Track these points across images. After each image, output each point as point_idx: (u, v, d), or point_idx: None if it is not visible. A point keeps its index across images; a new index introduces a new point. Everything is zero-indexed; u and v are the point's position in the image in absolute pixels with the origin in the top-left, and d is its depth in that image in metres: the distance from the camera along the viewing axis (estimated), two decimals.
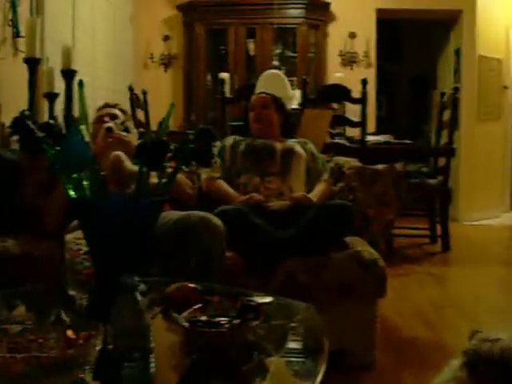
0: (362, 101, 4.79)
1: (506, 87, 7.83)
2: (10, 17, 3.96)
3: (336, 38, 7.44)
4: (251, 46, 7.28)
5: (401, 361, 2.93)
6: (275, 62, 7.08)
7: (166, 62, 7.56)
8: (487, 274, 4.89)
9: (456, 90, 5.66)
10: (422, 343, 3.19)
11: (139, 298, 1.14)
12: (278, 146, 3.28)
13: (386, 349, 2.98)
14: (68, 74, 3.66)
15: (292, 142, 3.35)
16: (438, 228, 5.70)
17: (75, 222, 2.42)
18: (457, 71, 7.72)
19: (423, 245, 5.89)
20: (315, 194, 3.14)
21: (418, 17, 7.97)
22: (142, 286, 1.19)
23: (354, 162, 3.33)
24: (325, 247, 2.79)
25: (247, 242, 2.74)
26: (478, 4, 7.35)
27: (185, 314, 1.55)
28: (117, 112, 3.08)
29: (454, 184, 6.70)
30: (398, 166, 3.22)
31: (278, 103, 3.44)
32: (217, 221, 2.54)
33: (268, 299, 1.66)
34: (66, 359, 1.24)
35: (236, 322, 1.49)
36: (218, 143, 3.19)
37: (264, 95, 3.47)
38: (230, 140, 3.37)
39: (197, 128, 1.65)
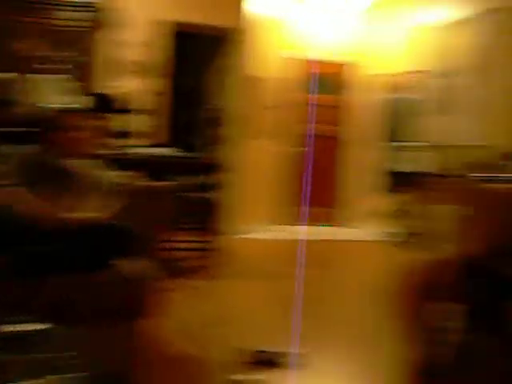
0: (134, 112, 4.72)
1: (271, 107, 8.13)
2: None
3: (123, 46, 7.22)
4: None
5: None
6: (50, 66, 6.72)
7: None
8: (254, 287, 5.03)
9: (217, 107, 5.63)
10: (187, 360, 3.19)
11: None
12: (68, 165, 3.08)
13: (151, 366, 2.92)
14: None
15: (80, 161, 3.15)
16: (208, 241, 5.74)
17: None
18: (226, 88, 7.90)
19: (194, 259, 5.87)
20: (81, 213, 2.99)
21: (196, 31, 8.03)
22: None
23: (132, 177, 3.24)
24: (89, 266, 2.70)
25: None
26: (248, 23, 7.61)
27: None
28: None
29: (223, 198, 6.79)
30: (175, 183, 3.21)
31: None
32: None
33: None
34: None
35: None
36: None
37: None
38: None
39: None
